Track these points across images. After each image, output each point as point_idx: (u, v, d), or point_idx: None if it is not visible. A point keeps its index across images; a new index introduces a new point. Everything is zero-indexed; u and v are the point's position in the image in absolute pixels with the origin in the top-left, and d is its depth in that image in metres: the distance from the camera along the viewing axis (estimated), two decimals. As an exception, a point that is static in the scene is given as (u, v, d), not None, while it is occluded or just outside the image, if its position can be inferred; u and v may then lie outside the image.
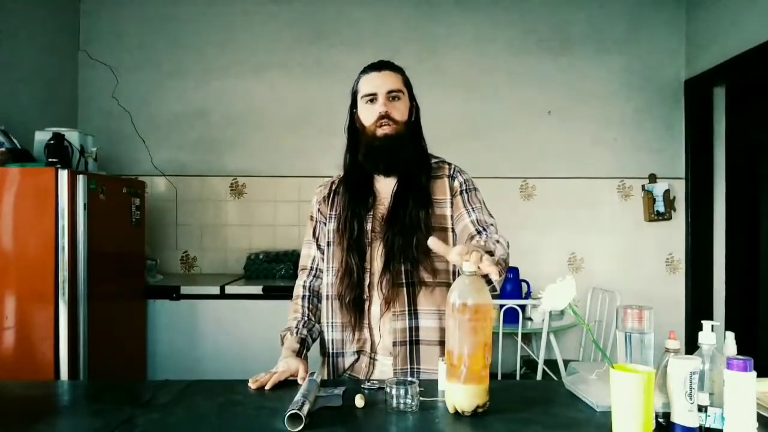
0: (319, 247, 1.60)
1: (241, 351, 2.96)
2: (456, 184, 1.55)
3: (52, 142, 2.55)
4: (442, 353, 1.46)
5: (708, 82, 3.55)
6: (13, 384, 1.44)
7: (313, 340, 1.54)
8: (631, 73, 3.73)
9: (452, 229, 1.53)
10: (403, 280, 1.47)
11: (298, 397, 1.11)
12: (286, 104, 3.68)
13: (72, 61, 3.62)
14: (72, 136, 2.68)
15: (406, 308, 1.47)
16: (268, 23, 3.69)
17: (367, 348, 1.50)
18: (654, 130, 3.74)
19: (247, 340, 2.98)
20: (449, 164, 1.59)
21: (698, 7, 3.60)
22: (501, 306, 2.74)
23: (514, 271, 3.08)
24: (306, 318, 1.55)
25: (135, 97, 3.64)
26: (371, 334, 1.49)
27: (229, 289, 3.07)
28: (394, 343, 1.46)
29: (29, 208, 2.34)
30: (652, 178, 3.71)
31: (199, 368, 2.97)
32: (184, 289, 3.06)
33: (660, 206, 3.69)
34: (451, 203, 1.53)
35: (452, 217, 1.53)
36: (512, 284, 3.04)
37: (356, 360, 1.51)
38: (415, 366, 1.46)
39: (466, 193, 1.54)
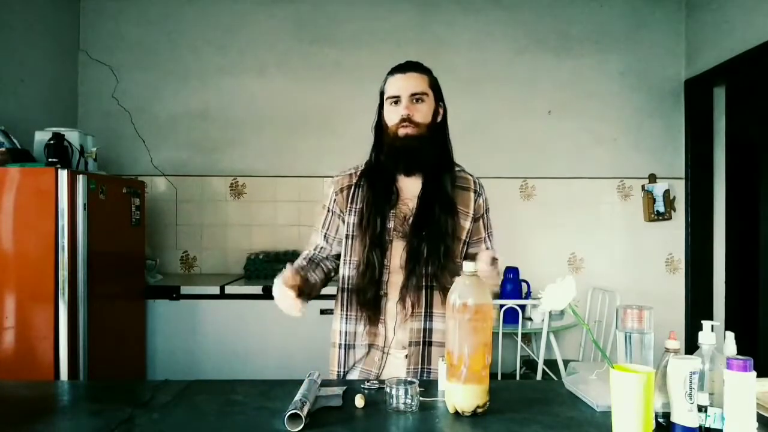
0: (326, 237, 1.62)
1: (240, 351, 2.96)
2: (481, 202, 1.60)
3: (52, 142, 2.55)
4: None
5: (708, 82, 3.55)
6: (13, 384, 1.43)
7: (313, 272, 1.55)
8: (631, 73, 3.73)
9: (465, 241, 1.57)
10: (424, 283, 1.49)
11: (298, 397, 1.11)
12: (286, 104, 3.68)
13: (72, 61, 3.62)
14: (72, 136, 2.68)
15: (423, 310, 1.50)
16: (268, 23, 3.69)
17: (380, 342, 1.51)
18: (654, 130, 3.74)
19: (247, 340, 2.98)
20: (472, 176, 1.63)
21: (698, 7, 3.60)
22: (501, 306, 2.74)
23: (514, 271, 3.08)
24: (310, 258, 1.60)
25: (135, 97, 3.64)
26: (386, 330, 1.51)
27: (229, 289, 3.07)
28: (410, 343, 1.50)
29: (29, 208, 2.34)
30: (652, 178, 3.71)
31: (199, 368, 2.97)
32: (184, 289, 3.06)
33: (660, 206, 3.69)
34: (473, 219, 1.58)
35: (469, 232, 1.57)
36: (512, 284, 3.04)
37: (367, 353, 1.52)
38: (426, 366, 1.50)
39: (486, 215, 1.62)
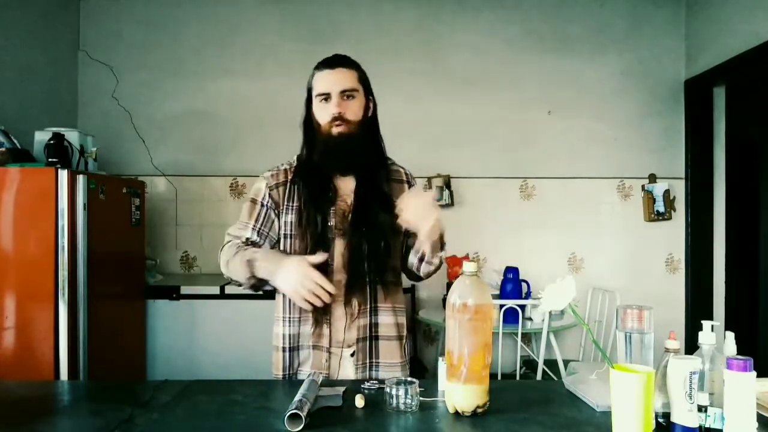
0: (260, 233, 1.53)
1: (240, 351, 2.96)
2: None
3: (52, 142, 2.55)
4: (399, 348, 1.51)
5: (708, 82, 3.55)
6: (12, 384, 1.43)
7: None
8: (631, 73, 3.73)
9: (404, 233, 1.53)
10: (367, 279, 1.48)
11: (298, 397, 1.11)
12: (286, 104, 3.63)
13: (72, 61, 3.62)
14: (72, 136, 2.68)
15: (368, 306, 1.49)
16: (268, 23, 3.69)
17: (324, 343, 1.48)
18: (654, 130, 3.74)
19: (247, 340, 2.98)
20: (403, 168, 1.62)
21: (698, 6, 3.60)
22: (501, 306, 2.74)
23: (514, 271, 3.08)
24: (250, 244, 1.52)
25: (135, 97, 3.64)
26: (330, 330, 1.48)
27: (229, 290, 3.06)
28: (357, 339, 1.48)
29: (29, 208, 2.34)
30: (652, 178, 3.71)
31: (198, 368, 2.97)
32: (184, 289, 3.06)
33: (660, 206, 3.69)
34: None
35: None
36: (512, 284, 3.03)
37: (310, 355, 1.48)
38: (374, 360, 1.50)
39: None
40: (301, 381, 1.23)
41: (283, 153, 3.65)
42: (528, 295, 3.23)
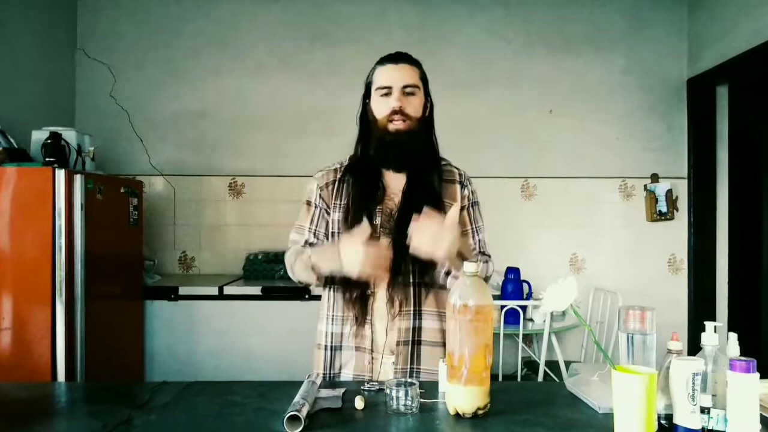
0: (316, 234, 1.55)
1: (239, 352, 2.95)
2: (467, 193, 1.57)
3: (49, 141, 2.54)
4: (443, 355, 1.45)
5: (710, 81, 3.53)
6: (9, 385, 1.42)
7: None
8: (633, 72, 3.72)
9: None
10: (411, 280, 1.46)
11: (297, 398, 1.10)
12: (285, 104, 3.67)
13: (69, 60, 3.61)
14: (69, 135, 2.67)
15: (412, 308, 1.47)
16: (268, 23, 3.68)
17: (366, 345, 1.47)
18: (656, 130, 3.72)
19: (246, 341, 2.97)
20: (458, 169, 1.60)
21: (700, 5, 3.59)
22: (502, 307, 2.73)
23: (515, 271, 3.07)
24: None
25: (133, 96, 3.63)
26: (373, 331, 1.47)
27: (228, 290, 3.06)
28: (398, 343, 1.46)
29: (26, 208, 2.33)
30: (655, 178, 3.70)
31: (197, 369, 2.96)
32: (183, 290, 3.05)
33: (662, 206, 3.68)
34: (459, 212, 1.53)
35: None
36: (513, 285, 3.02)
37: (353, 357, 1.49)
38: (416, 366, 1.46)
39: (473, 207, 1.58)
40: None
41: (283, 152, 3.64)
42: (529, 296, 3.21)
